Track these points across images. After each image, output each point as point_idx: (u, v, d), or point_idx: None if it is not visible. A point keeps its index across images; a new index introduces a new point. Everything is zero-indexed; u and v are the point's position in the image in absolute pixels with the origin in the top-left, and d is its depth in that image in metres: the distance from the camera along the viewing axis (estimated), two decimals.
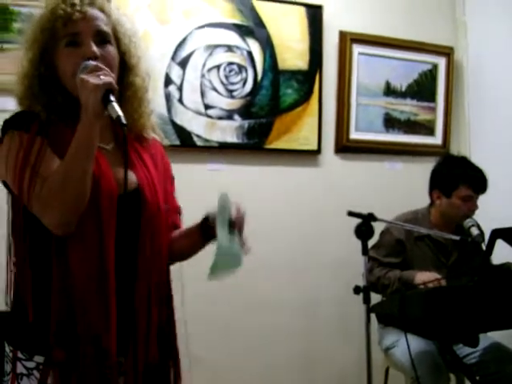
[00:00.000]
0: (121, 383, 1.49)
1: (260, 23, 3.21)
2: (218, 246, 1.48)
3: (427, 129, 3.75)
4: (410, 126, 3.69)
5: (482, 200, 2.95)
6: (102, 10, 1.53)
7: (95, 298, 1.42)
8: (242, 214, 1.57)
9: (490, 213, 3.25)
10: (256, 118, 3.21)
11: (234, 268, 1.56)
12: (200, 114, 3.08)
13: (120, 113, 1.37)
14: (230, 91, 3.16)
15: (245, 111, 3.19)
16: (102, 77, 1.39)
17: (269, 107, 3.24)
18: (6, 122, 1.49)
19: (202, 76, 3.09)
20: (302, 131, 3.32)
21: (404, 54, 3.62)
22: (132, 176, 1.52)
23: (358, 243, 2.49)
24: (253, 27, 3.19)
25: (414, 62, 3.67)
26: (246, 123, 3.19)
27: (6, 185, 1.49)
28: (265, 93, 3.24)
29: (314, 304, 3.41)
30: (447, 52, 3.75)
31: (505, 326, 2.54)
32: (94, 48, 1.47)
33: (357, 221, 2.52)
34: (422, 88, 3.72)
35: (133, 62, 1.58)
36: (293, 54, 3.30)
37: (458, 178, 2.93)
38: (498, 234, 2.27)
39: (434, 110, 3.76)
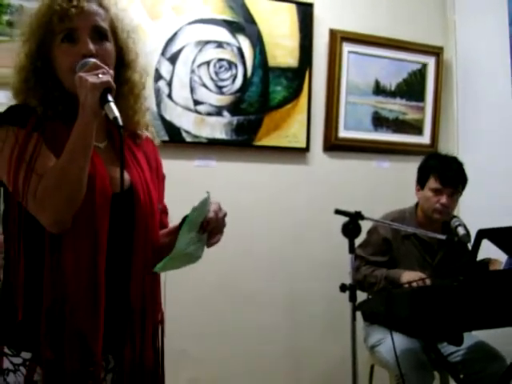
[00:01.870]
0: (108, 380, 1.50)
1: (250, 20, 3.21)
2: (174, 247, 1.47)
3: (416, 128, 3.76)
4: (399, 125, 3.70)
5: (468, 199, 2.96)
6: (100, 5, 1.52)
7: (85, 296, 1.41)
8: (221, 215, 1.54)
9: (476, 212, 3.27)
10: (245, 114, 3.21)
11: (184, 266, 1.57)
12: (189, 109, 3.08)
13: (117, 114, 1.35)
14: (220, 87, 3.16)
15: (234, 108, 3.18)
16: (100, 75, 1.38)
17: (258, 104, 3.24)
18: (1, 116, 1.47)
19: (192, 72, 3.08)
20: (291, 129, 3.32)
21: (394, 53, 3.63)
22: (125, 175, 1.50)
23: (345, 241, 2.50)
24: (243, 24, 3.19)
25: (404, 62, 3.69)
26: (235, 120, 3.19)
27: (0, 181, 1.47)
28: (254, 89, 3.24)
29: (301, 301, 3.41)
30: (437, 52, 3.77)
31: (489, 325, 2.56)
32: (91, 45, 1.46)
33: (344, 219, 2.52)
34: (411, 87, 3.74)
35: (130, 57, 1.57)
36: (283, 51, 3.30)
37: (429, 170, 2.97)
38: (484, 234, 2.28)
39: (422, 109, 3.78)
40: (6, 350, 1.45)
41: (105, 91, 1.36)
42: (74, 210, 1.39)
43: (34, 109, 1.47)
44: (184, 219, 1.53)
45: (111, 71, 1.43)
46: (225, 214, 1.55)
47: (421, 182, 3.00)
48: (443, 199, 2.90)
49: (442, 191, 2.91)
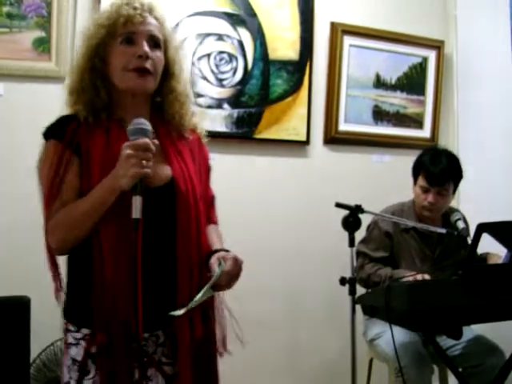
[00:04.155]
0: (159, 353, 1.67)
1: (251, 12, 3.20)
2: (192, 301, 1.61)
3: (416, 122, 3.76)
4: (399, 119, 3.70)
5: (468, 192, 2.96)
6: (157, 20, 1.71)
7: (124, 289, 1.56)
8: (237, 270, 1.67)
9: (476, 205, 3.28)
10: (246, 107, 3.21)
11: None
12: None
13: (139, 215, 1.48)
14: (220, 80, 3.15)
15: (234, 100, 3.18)
16: (144, 163, 1.50)
17: (259, 97, 3.24)
18: (47, 128, 1.68)
19: (192, 64, 3.08)
20: (291, 122, 3.32)
21: (394, 47, 3.63)
22: (167, 169, 1.67)
23: (344, 234, 2.50)
24: (244, 16, 3.18)
25: (404, 55, 3.68)
26: (235, 112, 3.18)
27: None
28: (255, 82, 3.23)
29: (301, 294, 3.42)
30: (437, 45, 3.76)
31: (488, 318, 2.56)
32: (147, 48, 1.64)
33: (344, 212, 2.52)
34: (412, 81, 3.73)
35: (176, 70, 1.75)
36: (283, 44, 3.30)
37: (419, 167, 2.96)
38: (483, 228, 2.27)
39: (423, 103, 3.78)
40: (69, 326, 1.66)
41: (141, 180, 1.51)
42: (75, 245, 1.61)
43: (75, 116, 1.66)
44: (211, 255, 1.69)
45: (151, 163, 1.53)
46: (241, 263, 1.67)
47: (414, 177, 3.01)
48: (430, 197, 2.89)
49: (429, 190, 2.90)
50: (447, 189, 2.91)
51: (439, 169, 2.88)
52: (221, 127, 3.15)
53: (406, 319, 2.29)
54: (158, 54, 1.68)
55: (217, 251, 1.71)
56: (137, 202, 1.49)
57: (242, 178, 3.23)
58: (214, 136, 3.13)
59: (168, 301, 1.63)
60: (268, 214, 3.31)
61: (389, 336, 2.49)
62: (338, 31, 3.44)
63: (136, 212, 1.49)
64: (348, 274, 2.49)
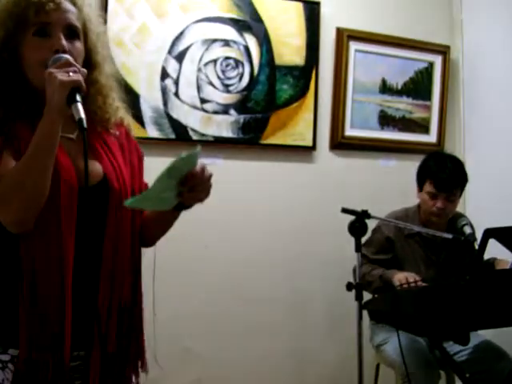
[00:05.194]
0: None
1: (257, 18, 3.21)
2: (150, 186, 1.41)
3: (422, 127, 3.76)
4: (405, 124, 3.70)
5: (474, 197, 2.95)
6: (75, 4, 1.52)
7: (54, 295, 1.42)
8: (207, 174, 1.47)
9: (482, 211, 3.27)
10: (252, 113, 3.21)
11: (152, 209, 1.57)
12: (196, 108, 3.08)
13: (82, 115, 1.34)
14: (226, 86, 3.16)
15: (241, 106, 3.18)
16: (71, 73, 1.36)
17: (265, 102, 3.24)
18: None
19: (199, 70, 3.09)
20: (297, 127, 3.32)
21: (400, 52, 3.63)
22: (97, 166, 1.52)
23: (351, 240, 2.50)
24: (250, 22, 3.19)
25: (410, 60, 3.68)
26: (241, 118, 3.19)
27: None
28: (261, 88, 3.24)
29: (307, 300, 3.41)
30: (443, 50, 3.76)
31: (495, 324, 2.56)
32: (64, 41, 1.46)
33: (350, 217, 2.52)
34: (418, 86, 3.73)
35: (98, 59, 1.58)
36: (289, 49, 3.30)
37: (425, 173, 2.95)
38: (490, 233, 2.27)
39: (429, 108, 3.77)
40: None
41: (73, 90, 1.35)
42: (37, 211, 1.38)
43: None
44: None
45: (84, 70, 1.42)
46: (210, 175, 1.48)
47: (419, 184, 3.00)
48: (438, 203, 2.89)
49: (437, 195, 2.90)
50: (455, 194, 2.91)
51: (447, 174, 2.88)
52: (227, 133, 3.15)
53: (412, 324, 2.29)
54: (77, 45, 1.49)
55: None
56: (77, 107, 1.34)
57: (249, 183, 3.23)
58: (220, 142, 3.18)
59: (90, 316, 1.48)
60: (274, 219, 3.31)
61: (395, 341, 2.49)
62: (344, 36, 3.45)
63: (78, 113, 1.34)
64: (354, 280, 2.49)
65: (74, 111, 1.35)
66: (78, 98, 1.35)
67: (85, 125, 1.34)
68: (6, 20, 1.46)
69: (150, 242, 1.68)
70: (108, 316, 1.49)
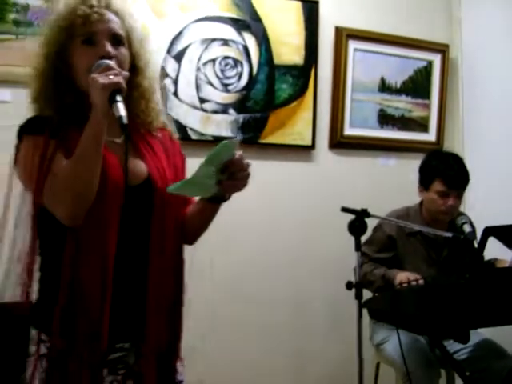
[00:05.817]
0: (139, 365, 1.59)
1: (256, 18, 3.21)
2: (193, 173, 1.50)
3: (421, 125, 3.76)
4: (404, 123, 3.70)
5: (473, 196, 2.95)
6: (117, 14, 1.64)
7: (95, 291, 1.50)
8: (246, 163, 1.58)
9: (481, 209, 3.27)
10: (251, 112, 3.21)
11: (195, 195, 1.65)
12: (195, 107, 3.08)
13: (122, 113, 1.44)
14: (226, 85, 3.16)
15: (240, 105, 3.18)
16: (111, 76, 1.46)
17: (264, 102, 3.24)
18: (21, 127, 1.59)
19: (198, 70, 3.09)
20: (296, 126, 3.32)
21: (399, 51, 3.63)
22: (142, 166, 1.62)
23: (351, 239, 2.50)
24: (249, 21, 3.19)
25: (410, 59, 3.68)
26: (240, 117, 3.19)
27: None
28: (260, 87, 3.24)
29: (306, 299, 3.41)
30: (442, 49, 3.76)
31: (495, 322, 2.56)
32: (109, 48, 1.57)
33: (350, 216, 2.52)
34: (417, 85, 3.73)
35: (141, 64, 1.69)
36: (288, 48, 3.30)
37: (433, 172, 2.93)
38: (490, 231, 2.28)
39: (428, 106, 3.77)
40: (42, 336, 1.55)
41: (114, 92, 1.45)
42: (88, 205, 1.48)
43: (49, 118, 1.56)
44: None
45: (125, 73, 1.53)
46: (249, 164, 1.58)
47: (424, 184, 2.97)
48: (450, 201, 2.88)
49: (449, 194, 2.88)
50: (464, 190, 2.92)
51: (456, 171, 2.88)
52: (226, 132, 3.15)
53: (412, 323, 2.29)
54: (123, 51, 1.61)
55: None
56: (117, 106, 1.44)
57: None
58: (219, 141, 3.16)
59: (136, 310, 1.58)
60: (273, 218, 3.31)
61: (395, 340, 2.49)
62: (343, 35, 3.45)
63: (118, 112, 1.43)
64: (354, 279, 2.48)
65: (114, 110, 1.44)
66: (119, 98, 1.45)
67: (125, 121, 1.43)
68: (58, 34, 1.60)
69: (192, 239, 1.78)
70: (158, 312, 1.59)
